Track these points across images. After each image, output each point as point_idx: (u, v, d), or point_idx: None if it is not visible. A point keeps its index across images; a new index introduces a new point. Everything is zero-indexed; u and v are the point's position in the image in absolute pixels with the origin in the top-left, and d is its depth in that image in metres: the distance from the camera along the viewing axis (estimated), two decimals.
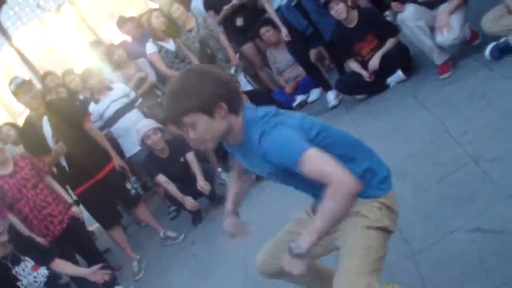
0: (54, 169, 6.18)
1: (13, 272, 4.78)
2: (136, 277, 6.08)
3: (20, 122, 7.39)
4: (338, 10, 5.98)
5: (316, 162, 2.31)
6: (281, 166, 2.43)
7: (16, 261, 4.85)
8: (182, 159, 6.22)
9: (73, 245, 5.80)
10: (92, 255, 5.95)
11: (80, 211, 5.90)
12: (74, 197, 6.26)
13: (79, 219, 5.77)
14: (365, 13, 6.19)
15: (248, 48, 7.71)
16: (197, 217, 6.30)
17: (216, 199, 6.34)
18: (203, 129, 2.51)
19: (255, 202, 5.78)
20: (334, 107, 6.57)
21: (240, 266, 4.68)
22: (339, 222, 2.42)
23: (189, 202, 6.08)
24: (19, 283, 4.80)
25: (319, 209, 2.38)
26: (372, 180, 2.67)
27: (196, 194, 6.17)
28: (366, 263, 2.51)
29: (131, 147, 6.58)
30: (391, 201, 2.72)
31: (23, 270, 4.88)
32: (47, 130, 5.83)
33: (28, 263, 4.89)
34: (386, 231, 2.63)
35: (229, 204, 3.13)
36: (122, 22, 7.92)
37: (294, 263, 2.43)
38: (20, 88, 5.88)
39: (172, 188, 6.12)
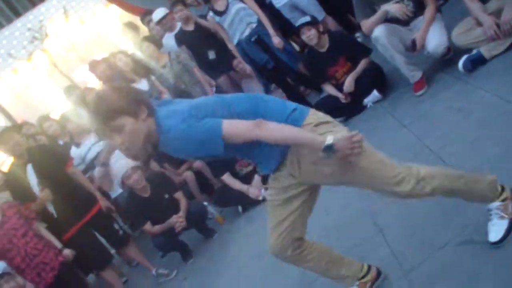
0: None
1: None
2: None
3: (3, 170, 7.32)
4: (310, 36, 6.04)
5: (236, 131, 2.72)
6: (203, 155, 2.85)
7: None
8: (166, 196, 6.18)
9: None
10: None
11: (71, 253, 5.83)
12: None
13: (70, 264, 5.72)
14: (336, 36, 6.27)
15: (222, 81, 7.74)
16: (186, 253, 6.25)
17: (207, 233, 6.33)
18: (130, 131, 2.71)
19: (243, 232, 5.79)
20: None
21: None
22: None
23: (175, 221, 6.04)
24: None
25: (288, 143, 2.82)
26: (289, 117, 2.88)
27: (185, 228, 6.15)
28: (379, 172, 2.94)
29: (116, 188, 6.55)
30: (315, 117, 2.93)
31: None
32: (32, 177, 5.79)
33: None
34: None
35: None
36: (94, 65, 7.92)
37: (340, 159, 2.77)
38: (1, 137, 5.86)
39: (158, 228, 6.07)
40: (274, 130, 2.74)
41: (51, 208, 5.95)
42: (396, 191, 2.93)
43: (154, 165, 6.90)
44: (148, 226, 6.07)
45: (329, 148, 2.71)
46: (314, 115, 2.94)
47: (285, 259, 3.27)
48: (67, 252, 5.73)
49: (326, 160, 2.78)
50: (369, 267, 3.43)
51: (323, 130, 2.86)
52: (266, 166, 3.06)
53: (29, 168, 5.81)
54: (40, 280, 5.49)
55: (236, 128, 2.73)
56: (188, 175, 6.86)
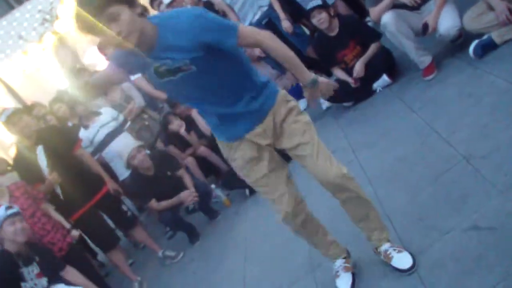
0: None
1: (20, 270, 4.78)
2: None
3: (11, 154, 7.36)
4: (320, 19, 6.01)
5: (250, 30, 2.87)
6: (214, 42, 2.71)
7: (27, 263, 4.86)
8: (169, 173, 6.20)
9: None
10: (94, 280, 5.94)
11: (78, 234, 5.89)
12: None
13: (77, 245, 5.75)
14: (346, 20, 6.22)
15: None
16: (193, 235, 6.27)
17: (211, 214, 6.35)
18: (126, 19, 2.62)
19: (250, 215, 5.80)
20: (328, 108, 6.59)
21: (240, 281, 4.67)
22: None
23: (187, 196, 6.06)
24: (22, 284, 4.80)
25: (286, 61, 3.01)
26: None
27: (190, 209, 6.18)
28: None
29: (124, 170, 6.58)
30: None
31: (29, 273, 4.89)
32: (41, 159, 5.81)
33: (35, 268, 4.90)
34: None
35: None
36: (103, 46, 7.91)
37: (315, 92, 3.13)
38: (11, 118, 5.87)
39: (165, 204, 6.10)
40: (282, 44, 2.96)
41: (57, 189, 5.96)
42: (334, 170, 3.12)
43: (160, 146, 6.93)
44: (153, 203, 6.12)
45: (314, 81, 3.10)
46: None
47: (296, 225, 3.37)
48: (75, 233, 5.75)
49: (296, 117, 3.10)
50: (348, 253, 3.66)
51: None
52: (249, 120, 3.08)
53: (39, 149, 5.82)
54: None
55: (250, 29, 2.92)
56: (189, 160, 6.86)
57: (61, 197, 5.96)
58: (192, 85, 2.84)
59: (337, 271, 3.58)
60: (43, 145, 5.78)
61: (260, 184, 3.28)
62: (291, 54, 3.00)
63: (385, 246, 3.41)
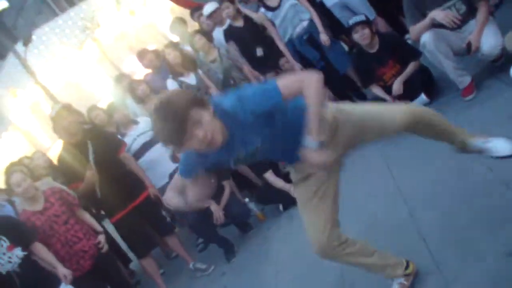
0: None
1: None
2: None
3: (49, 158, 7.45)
4: (363, 35, 5.99)
5: (288, 81, 2.89)
6: (267, 110, 2.81)
7: None
8: (212, 180, 6.19)
9: (103, 278, 5.82)
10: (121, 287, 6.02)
11: (105, 241, 5.91)
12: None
13: (109, 253, 5.80)
14: (386, 38, 6.20)
15: (270, 77, 7.75)
16: (230, 251, 6.21)
17: (244, 228, 6.35)
18: (208, 120, 2.69)
19: (283, 231, 5.78)
20: None
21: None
22: (322, 106, 2.95)
23: (214, 210, 6.07)
24: None
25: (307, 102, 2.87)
26: None
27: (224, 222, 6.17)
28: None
29: (159, 180, 6.60)
30: None
31: None
32: (90, 155, 5.91)
33: (3, 242, 4.95)
34: None
35: None
36: (142, 54, 8.00)
37: (315, 155, 2.90)
38: (61, 113, 5.95)
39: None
40: (317, 93, 2.89)
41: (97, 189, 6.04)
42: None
43: None
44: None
45: (323, 144, 2.94)
46: None
47: (330, 253, 3.29)
48: (101, 238, 5.79)
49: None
50: (407, 261, 3.53)
51: None
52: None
53: (90, 145, 5.92)
54: (79, 267, 5.57)
55: (287, 79, 2.94)
56: None
57: (98, 196, 6.03)
58: (268, 150, 3.06)
59: None
60: (90, 142, 5.85)
61: (300, 202, 3.34)
62: (317, 109, 2.91)
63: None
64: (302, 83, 2.86)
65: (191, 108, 2.64)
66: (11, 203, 6.51)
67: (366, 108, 3.41)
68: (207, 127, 2.67)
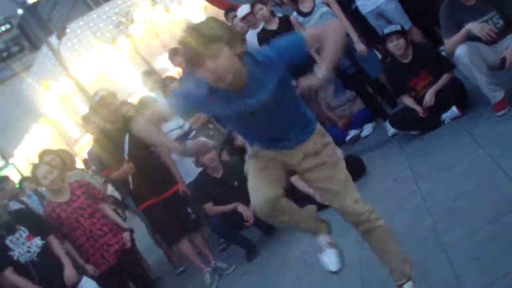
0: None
1: (6, 241, 4.90)
2: None
3: (77, 150, 7.54)
4: (398, 45, 5.97)
5: (313, 30, 3.24)
6: (292, 59, 2.97)
7: (11, 231, 4.97)
8: (236, 183, 6.21)
9: (127, 273, 5.87)
10: (144, 283, 6.03)
11: (130, 239, 5.96)
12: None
13: (132, 248, 5.84)
14: (420, 48, 6.17)
15: (301, 81, 7.75)
16: (251, 252, 6.19)
17: (267, 230, 6.33)
18: (225, 58, 2.81)
19: (309, 235, 5.75)
20: (394, 135, 6.47)
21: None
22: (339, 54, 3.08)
23: (244, 211, 6.04)
24: (10, 253, 4.91)
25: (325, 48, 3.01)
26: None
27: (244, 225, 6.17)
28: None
29: (185, 178, 6.64)
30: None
31: (17, 239, 4.99)
32: (126, 147, 5.96)
33: (23, 232, 5.00)
34: None
35: None
36: (173, 54, 8.05)
37: (312, 80, 3.06)
38: (104, 100, 6.00)
39: (219, 209, 6.15)
40: (339, 32, 3.09)
41: (129, 178, 6.10)
42: (354, 206, 3.29)
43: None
44: (209, 205, 6.18)
45: (328, 77, 3.07)
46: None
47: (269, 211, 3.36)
48: (126, 235, 5.83)
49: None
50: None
51: None
52: (295, 138, 3.28)
53: (127, 137, 5.97)
54: (104, 261, 5.62)
55: (310, 30, 3.38)
56: None
57: (131, 186, 6.09)
58: (259, 120, 3.10)
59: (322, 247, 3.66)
60: (128, 133, 5.88)
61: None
62: (336, 50, 3.04)
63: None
64: (326, 32, 3.05)
65: (213, 42, 2.80)
66: (38, 193, 6.60)
67: (344, 173, 3.38)
68: (222, 63, 2.81)
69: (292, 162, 3.33)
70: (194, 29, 2.83)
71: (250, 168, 3.47)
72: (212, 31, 2.82)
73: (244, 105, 3.01)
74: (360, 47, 6.78)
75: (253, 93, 2.98)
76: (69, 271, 5.30)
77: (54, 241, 5.37)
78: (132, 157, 5.94)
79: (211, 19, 3.00)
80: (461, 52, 5.18)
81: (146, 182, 6.02)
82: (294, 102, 3.24)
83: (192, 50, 2.81)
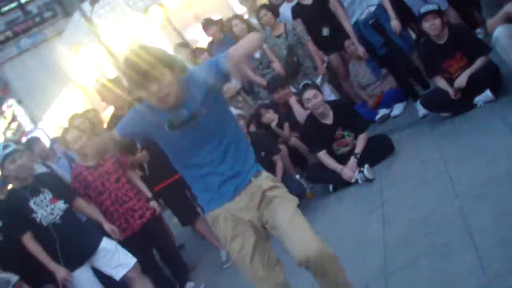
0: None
1: (30, 203, 4.96)
2: (225, 266, 6.11)
3: (104, 117, 7.56)
4: (434, 25, 5.88)
5: (238, 46, 3.16)
6: (217, 77, 3.10)
7: (35, 192, 5.03)
8: (262, 154, 6.21)
9: (151, 240, 5.91)
10: (168, 251, 6.08)
11: (158, 206, 6.00)
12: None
13: (157, 215, 5.87)
14: (456, 30, 6.07)
15: (333, 58, 7.72)
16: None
17: None
18: (168, 81, 3.01)
19: (329, 213, 5.75)
20: (425, 116, 6.39)
21: (309, 283, 4.64)
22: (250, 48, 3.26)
23: None
24: (33, 215, 4.97)
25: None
26: None
27: None
28: None
29: None
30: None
31: (41, 201, 5.05)
32: None
33: (47, 195, 5.06)
34: None
35: None
36: (208, 24, 8.04)
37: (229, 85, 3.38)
38: (105, 86, 6.03)
39: None
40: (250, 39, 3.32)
41: (144, 164, 6.23)
42: (312, 243, 3.19)
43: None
44: None
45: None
46: None
47: None
48: (153, 204, 5.87)
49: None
50: None
51: None
52: (249, 169, 3.39)
53: None
54: (128, 226, 5.65)
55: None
56: (282, 148, 6.85)
57: (147, 172, 6.17)
58: (199, 131, 3.16)
59: None
60: None
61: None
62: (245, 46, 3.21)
63: None
64: (247, 37, 3.32)
65: (161, 64, 2.98)
66: (67, 157, 6.65)
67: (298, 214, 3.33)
68: (164, 86, 2.99)
69: (254, 212, 3.31)
70: (133, 57, 2.98)
71: (230, 250, 3.43)
72: (153, 56, 2.98)
73: (179, 115, 3.11)
74: (395, 23, 6.66)
75: (185, 104, 3.12)
76: (108, 227, 5.41)
77: (81, 202, 5.43)
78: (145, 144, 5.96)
79: (145, 48, 3.09)
80: (500, 33, 5.09)
81: (162, 164, 6.02)
82: (232, 122, 3.37)
83: (133, 78, 2.98)
